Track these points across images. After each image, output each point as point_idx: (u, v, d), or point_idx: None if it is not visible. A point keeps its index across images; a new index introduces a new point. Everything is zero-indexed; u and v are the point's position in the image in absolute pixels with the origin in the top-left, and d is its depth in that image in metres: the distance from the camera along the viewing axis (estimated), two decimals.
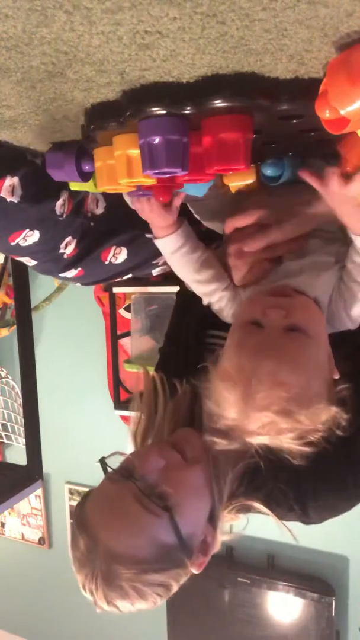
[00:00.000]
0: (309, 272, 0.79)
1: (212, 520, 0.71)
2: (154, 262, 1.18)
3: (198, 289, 0.88)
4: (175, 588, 0.69)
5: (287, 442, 0.65)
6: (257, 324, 0.71)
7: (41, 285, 2.40)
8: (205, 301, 0.88)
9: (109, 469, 0.73)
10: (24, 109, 0.60)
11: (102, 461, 0.74)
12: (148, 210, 0.80)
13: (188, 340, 0.92)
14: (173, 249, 0.85)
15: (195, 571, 0.70)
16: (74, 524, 0.69)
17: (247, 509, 0.74)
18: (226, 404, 0.66)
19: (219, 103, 0.52)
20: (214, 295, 0.87)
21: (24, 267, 1.49)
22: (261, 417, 0.63)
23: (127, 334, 2.14)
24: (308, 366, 0.67)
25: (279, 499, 0.72)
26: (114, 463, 0.74)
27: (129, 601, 0.66)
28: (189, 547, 0.68)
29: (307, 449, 0.65)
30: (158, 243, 0.86)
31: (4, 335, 2.35)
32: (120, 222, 1.02)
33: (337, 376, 0.70)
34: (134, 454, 0.75)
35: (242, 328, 0.73)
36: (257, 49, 0.45)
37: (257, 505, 0.72)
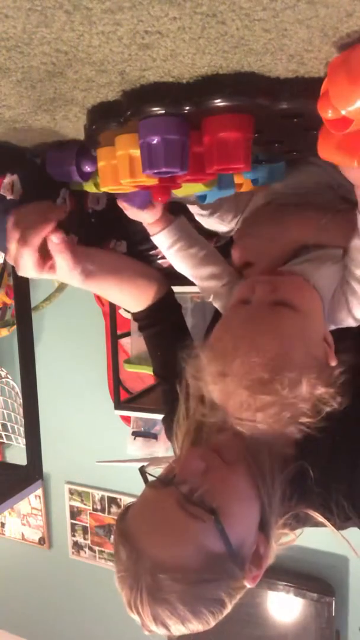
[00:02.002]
0: (313, 262, 0.78)
1: (264, 528, 0.67)
2: (152, 252, 1.17)
3: (197, 283, 0.88)
4: (228, 606, 0.63)
5: (268, 421, 0.62)
6: (247, 301, 0.70)
7: (41, 285, 2.40)
8: (207, 298, 0.89)
9: (149, 478, 0.69)
10: (24, 109, 0.60)
11: (142, 470, 0.71)
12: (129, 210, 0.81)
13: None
14: (167, 245, 0.85)
15: (249, 585, 0.66)
16: (115, 536, 0.65)
17: (303, 521, 0.71)
18: (209, 374, 0.65)
19: (218, 102, 0.52)
20: (212, 292, 0.87)
21: None
22: (239, 389, 0.61)
23: (127, 334, 2.14)
24: (289, 337, 0.65)
25: (332, 508, 0.68)
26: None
27: (179, 618, 0.59)
28: (239, 556, 0.63)
29: (296, 434, 0.63)
30: (154, 239, 0.87)
31: (4, 335, 2.35)
32: (120, 216, 1.02)
33: (333, 363, 0.68)
34: (175, 460, 0.72)
35: (232, 307, 0.73)
36: (257, 49, 0.45)
37: (313, 514, 0.68)
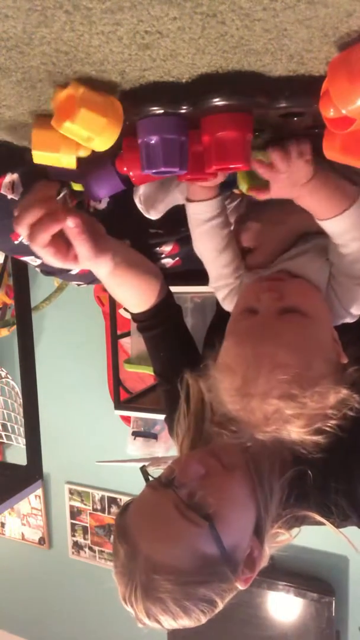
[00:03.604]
0: (307, 255, 0.77)
1: (259, 533, 0.68)
2: (156, 249, 1.16)
3: (215, 270, 0.84)
4: (220, 605, 0.65)
5: (296, 431, 0.62)
6: (253, 310, 0.69)
7: (41, 285, 2.40)
8: (217, 295, 0.87)
9: (150, 478, 0.70)
10: (24, 109, 0.60)
11: (143, 469, 0.72)
12: None
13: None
14: (207, 217, 0.78)
15: (241, 587, 0.67)
16: (114, 533, 0.67)
17: (300, 521, 0.71)
18: (228, 395, 0.64)
19: (217, 101, 0.52)
20: (225, 282, 0.84)
21: (24, 267, 1.48)
22: (264, 406, 0.60)
23: (127, 334, 2.13)
24: (307, 346, 0.64)
25: (331, 508, 0.69)
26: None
27: (171, 616, 0.62)
28: (233, 560, 0.64)
29: (319, 439, 0.62)
30: (193, 207, 0.79)
31: (4, 335, 2.35)
32: (124, 215, 1.01)
33: (345, 360, 0.68)
34: (175, 462, 0.72)
35: (238, 316, 0.72)
36: (257, 49, 0.45)
37: (311, 515, 0.69)
